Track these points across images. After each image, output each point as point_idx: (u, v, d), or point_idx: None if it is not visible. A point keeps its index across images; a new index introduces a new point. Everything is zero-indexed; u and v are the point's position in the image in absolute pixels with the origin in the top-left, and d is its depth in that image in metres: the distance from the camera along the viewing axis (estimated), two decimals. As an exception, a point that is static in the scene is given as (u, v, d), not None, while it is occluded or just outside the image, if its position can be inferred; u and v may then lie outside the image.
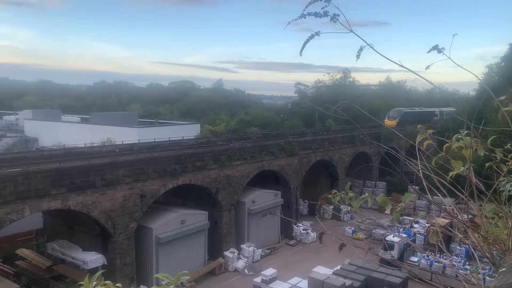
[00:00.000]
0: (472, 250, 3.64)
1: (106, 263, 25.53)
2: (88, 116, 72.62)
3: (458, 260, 30.74)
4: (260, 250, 34.76)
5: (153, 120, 70.19)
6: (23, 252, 28.02)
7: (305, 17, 2.86)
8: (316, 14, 2.84)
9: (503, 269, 2.48)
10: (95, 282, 2.26)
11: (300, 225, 39.57)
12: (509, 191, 3.16)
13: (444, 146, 3.29)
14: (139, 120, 68.89)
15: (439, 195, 3.52)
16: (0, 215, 20.81)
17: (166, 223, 28.82)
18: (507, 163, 3.26)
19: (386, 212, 3.34)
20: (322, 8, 2.82)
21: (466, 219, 3.28)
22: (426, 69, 3.18)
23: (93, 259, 25.11)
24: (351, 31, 2.95)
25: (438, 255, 24.45)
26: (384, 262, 24.48)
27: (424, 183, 3.54)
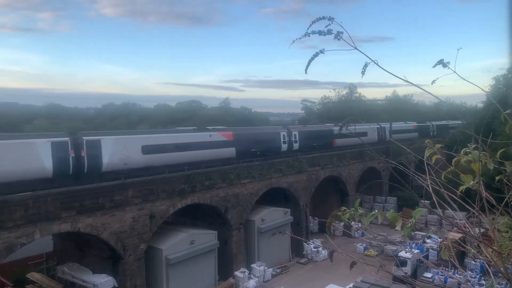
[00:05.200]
0: (486, 265, 3.58)
1: (116, 286, 25.38)
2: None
3: (473, 276, 30.15)
4: (271, 269, 34.38)
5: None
6: (34, 276, 27.97)
7: (309, 36, 2.90)
8: (320, 33, 2.87)
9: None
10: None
11: (311, 243, 39.14)
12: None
13: (453, 160, 3.27)
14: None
15: (450, 209, 3.48)
16: (10, 239, 20.87)
17: (176, 244, 28.68)
18: (517, 176, 3.23)
19: (397, 228, 3.31)
20: (326, 26, 2.85)
21: (479, 233, 3.24)
22: (432, 83, 3.19)
23: (104, 281, 24.97)
24: (355, 48, 2.98)
25: (452, 270, 23.96)
26: (397, 279, 24.03)
27: (434, 198, 3.51)
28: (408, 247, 35.35)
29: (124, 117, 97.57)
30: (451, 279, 29.45)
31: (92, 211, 24.00)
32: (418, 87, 3.37)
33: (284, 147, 42.70)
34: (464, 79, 3.30)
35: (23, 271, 28.65)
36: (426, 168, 3.65)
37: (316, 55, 2.95)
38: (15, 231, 20.99)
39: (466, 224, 3.45)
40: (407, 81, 3.25)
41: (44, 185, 23.93)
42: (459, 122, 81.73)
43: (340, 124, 3.58)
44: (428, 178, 3.58)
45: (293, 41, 3.03)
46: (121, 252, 25.39)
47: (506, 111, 3.04)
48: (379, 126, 58.92)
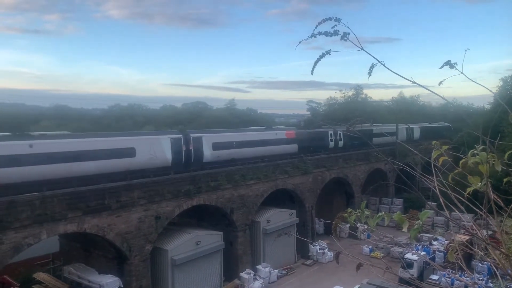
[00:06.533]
0: (494, 268, 3.54)
1: (122, 286, 25.44)
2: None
3: (480, 278, 29.93)
4: (276, 270, 34.33)
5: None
6: (40, 276, 28.12)
7: (315, 37, 2.88)
8: (326, 34, 2.86)
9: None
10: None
11: (316, 244, 39.07)
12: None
13: (460, 162, 3.25)
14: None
15: (457, 211, 3.46)
16: (17, 240, 20.99)
17: (181, 245, 28.72)
18: (526, 178, 3.20)
19: (403, 230, 3.29)
20: (332, 27, 2.84)
21: (486, 236, 3.21)
22: (439, 84, 3.17)
23: (109, 282, 25.05)
24: (362, 48, 2.96)
25: (459, 273, 23.79)
26: (404, 281, 23.92)
27: (441, 200, 3.48)
28: (415, 249, 35.17)
29: (130, 118, 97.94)
30: (458, 281, 29.24)
31: (98, 212, 24.09)
32: (425, 88, 3.34)
33: None
34: (472, 80, 3.27)
35: (29, 271, 28.81)
36: (433, 170, 3.63)
37: (322, 56, 2.94)
38: (22, 231, 21.11)
39: (473, 226, 3.42)
40: (414, 82, 3.23)
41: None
42: (405, 126, 63.02)
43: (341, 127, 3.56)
44: (435, 179, 3.55)
45: (300, 42, 3.01)
46: (127, 253, 25.46)
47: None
48: (179, 136, 32.12)
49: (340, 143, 50.00)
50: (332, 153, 46.22)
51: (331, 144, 48.71)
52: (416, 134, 66.06)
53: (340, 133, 48.70)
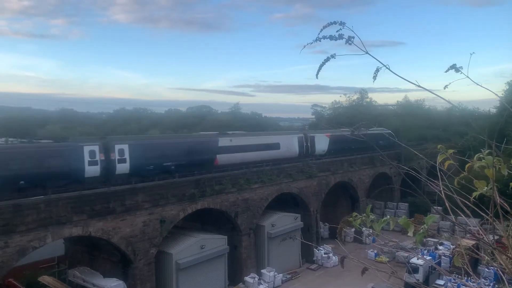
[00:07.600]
0: (500, 273, 3.51)
1: (126, 290, 25.46)
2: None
3: (486, 283, 29.69)
4: (281, 275, 34.21)
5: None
6: (45, 279, 28.15)
7: (320, 41, 2.88)
8: (331, 37, 2.85)
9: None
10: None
11: (321, 248, 38.92)
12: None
13: (466, 166, 3.22)
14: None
15: (463, 216, 3.44)
16: (23, 243, 21.07)
17: (186, 248, 28.71)
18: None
19: (408, 234, 3.27)
20: (337, 31, 2.83)
21: (492, 240, 3.19)
22: (444, 88, 3.15)
23: (114, 285, 25.05)
24: (367, 52, 2.95)
25: (465, 278, 23.62)
26: (409, 286, 23.76)
27: (447, 204, 3.46)
28: (420, 254, 34.97)
29: (135, 122, 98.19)
30: (464, 286, 29.01)
31: (103, 215, 24.14)
32: (431, 92, 3.33)
33: None
34: (477, 84, 3.26)
35: (35, 274, 28.87)
36: (439, 174, 3.60)
37: (327, 60, 2.93)
38: (27, 234, 21.19)
39: (479, 230, 3.40)
40: (419, 86, 3.22)
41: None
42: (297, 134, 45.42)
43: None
44: (440, 184, 3.53)
45: (304, 46, 3.01)
46: (131, 257, 25.48)
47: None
48: None
49: (122, 168, 27.85)
50: (91, 187, 25.21)
51: (90, 169, 26.28)
52: (321, 146, 45.75)
53: (124, 149, 28.09)
